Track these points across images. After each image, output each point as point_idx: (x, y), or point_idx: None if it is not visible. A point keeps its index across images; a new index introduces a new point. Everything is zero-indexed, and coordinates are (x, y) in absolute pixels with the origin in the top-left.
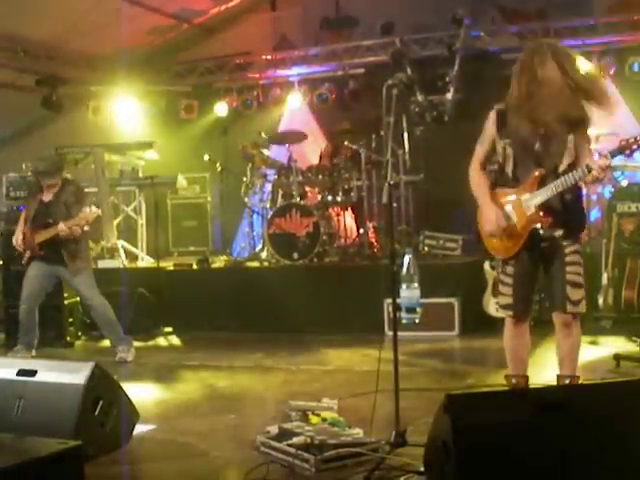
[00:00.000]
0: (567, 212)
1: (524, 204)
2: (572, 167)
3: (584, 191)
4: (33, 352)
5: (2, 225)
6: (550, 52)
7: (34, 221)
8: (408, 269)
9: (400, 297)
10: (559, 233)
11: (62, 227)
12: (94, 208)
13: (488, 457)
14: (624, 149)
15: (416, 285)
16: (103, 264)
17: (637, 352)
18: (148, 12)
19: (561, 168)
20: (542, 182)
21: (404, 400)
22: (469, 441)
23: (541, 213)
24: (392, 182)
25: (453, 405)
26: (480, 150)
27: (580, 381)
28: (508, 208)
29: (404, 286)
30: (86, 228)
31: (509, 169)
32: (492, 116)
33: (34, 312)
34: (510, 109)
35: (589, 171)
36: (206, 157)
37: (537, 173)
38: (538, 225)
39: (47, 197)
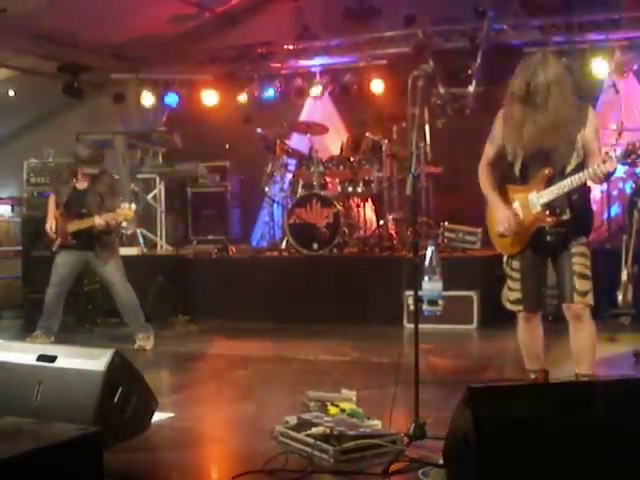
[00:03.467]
0: (573, 211)
1: (531, 202)
2: (580, 167)
3: (603, 187)
4: (52, 338)
5: (23, 211)
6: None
7: (66, 208)
8: (430, 261)
9: (422, 289)
10: (564, 230)
11: (100, 221)
12: (133, 205)
13: (509, 451)
14: (630, 153)
15: (438, 277)
16: (122, 252)
17: None
18: (171, 0)
19: (569, 168)
20: (550, 181)
21: (423, 392)
22: (490, 434)
23: (547, 212)
24: (416, 174)
25: (474, 398)
26: (490, 149)
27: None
28: (515, 205)
29: (426, 278)
30: (124, 224)
31: (517, 168)
32: (502, 115)
33: (62, 297)
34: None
35: (595, 173)
36: (227, 146)
37: (546, 172)
38: (543, 224)
39: (81, 185)
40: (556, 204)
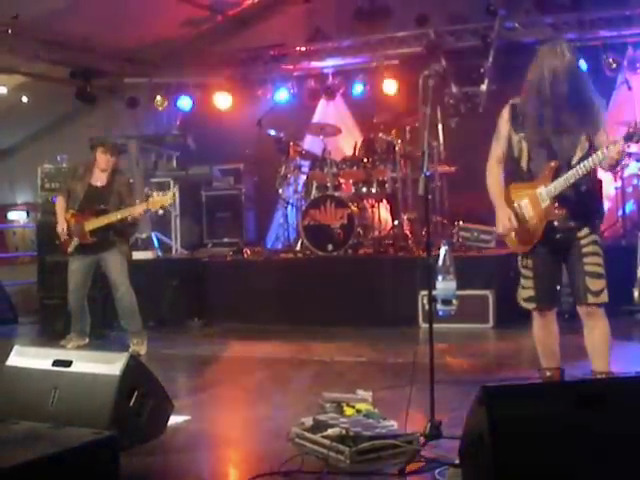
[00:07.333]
0: (583, 203)
1: (539, 197)
2: (584, 159)
3: (618, 184)
4: (86, 339)
5: (38, 216)
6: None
7: (82, 205)
8: (444, 261)
9: (436, 289)
10: (573, 224)
11: (139, 209)
12: (171, 192)
13: (525, 449)
14: (633, 136)
15: (452, 277)
16: (137, 255)
17: None
18: (182, 4)
19: (574, 160)
20: (557, 174)
21: (438, 392)
22: (506, 433)
23: (556, 205)
24: (428, 173)
25: (489, 397)
26: (496, 146)
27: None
28: (524, 202)
29: (440, 278)
30: (160, 212)
31: (524, 162)
32: (506, 111)
33: (83, 301)
34: (524, 103)
35: (603, 155)
36: (247, 151)
37: (552, 165)
38: (553, 218)
39: (99, 182)
40: (565, 196)
